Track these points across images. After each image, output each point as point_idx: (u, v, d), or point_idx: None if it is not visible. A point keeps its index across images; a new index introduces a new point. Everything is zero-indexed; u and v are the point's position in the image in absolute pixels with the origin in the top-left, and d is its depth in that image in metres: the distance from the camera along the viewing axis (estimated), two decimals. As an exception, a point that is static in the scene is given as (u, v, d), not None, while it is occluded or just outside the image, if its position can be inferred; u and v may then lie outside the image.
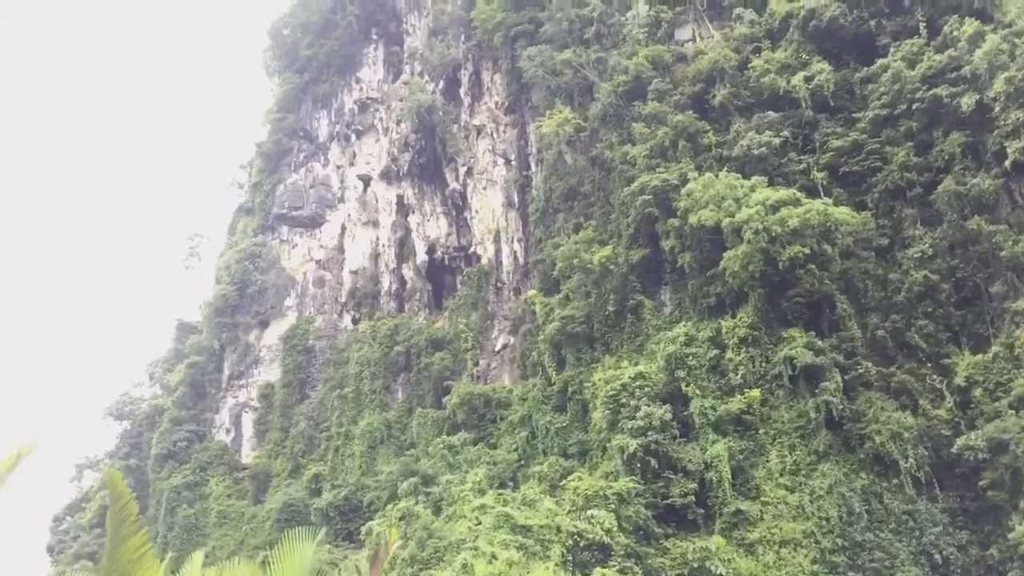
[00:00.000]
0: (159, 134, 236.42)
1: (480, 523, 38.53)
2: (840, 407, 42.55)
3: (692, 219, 49.08)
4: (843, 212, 46.49)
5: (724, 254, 47.59)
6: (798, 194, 47.42)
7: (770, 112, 53.60)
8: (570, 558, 37.34)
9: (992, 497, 39.14)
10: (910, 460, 40.96)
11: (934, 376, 43.65)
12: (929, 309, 45.01)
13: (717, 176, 50.29)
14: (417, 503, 47.42)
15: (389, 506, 49.59)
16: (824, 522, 40.32)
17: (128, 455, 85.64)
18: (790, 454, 43.12)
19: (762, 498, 42.12)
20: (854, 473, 41.82)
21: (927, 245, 45.80)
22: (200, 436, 79.55)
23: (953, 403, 42.37)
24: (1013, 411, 39.47)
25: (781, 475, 42.60)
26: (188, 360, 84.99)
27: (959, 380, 42.27)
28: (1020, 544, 36.61)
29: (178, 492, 72.47)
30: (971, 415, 41.58)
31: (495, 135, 76.57)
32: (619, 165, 58.72)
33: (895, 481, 41.21)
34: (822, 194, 48.92)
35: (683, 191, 51.01)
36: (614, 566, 36.71)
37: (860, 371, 43.95)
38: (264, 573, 8.27)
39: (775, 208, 46.23)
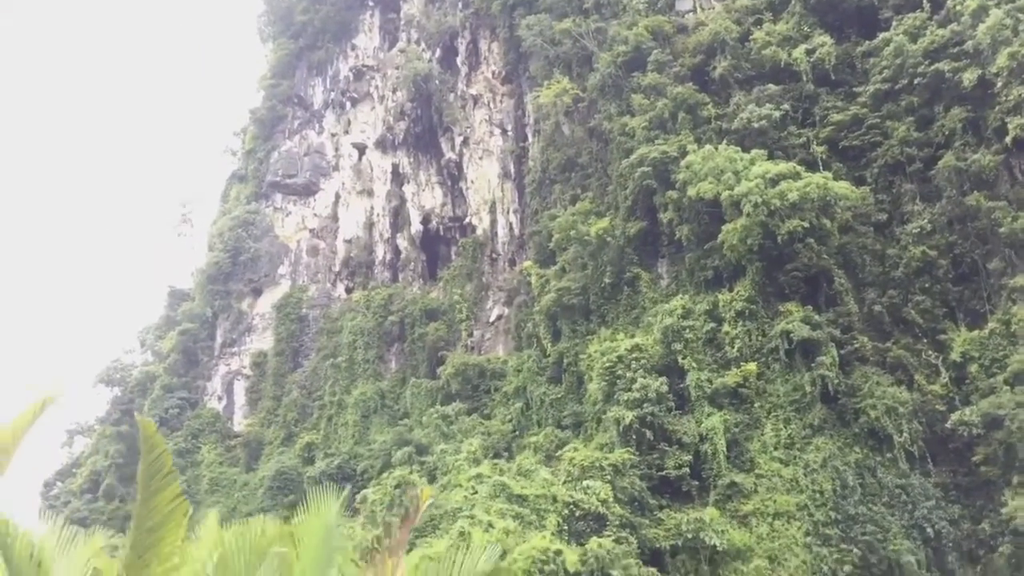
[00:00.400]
0: (152, 100, 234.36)
1: (476, 492, 38.60)
2: (835, 381, 42.67)
3: (691, 192, 48.89)
4: (842, 186, 46.33)
5: (722, 227, 47.48)
6: (798, 168, 47.26)
7: (770, 85, 53.28)
8: (566, 527, 37.50)
9: (985, 472, 39.33)
10: (904, 435, 41.13)
11: (930, 352, 43.70)
12: (926, 285, 44.99)
13: (716, 149, 50.03)
14: (412, 472, 47.47)
15: (384, 474, 49.65)
16: (818, 495, 40.51)
17: (119, 421, 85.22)
18: (785, 427, 43.24)
19: (756, 471, 42.28)
20: (848, 447, 41.98)
21: (926, 221, 45.70)
22: (192, 403, 79.35)
23: (948, 379, 42.46)
24: (1008, 387, 39.53)
25: (776, 448, 42.75)
26: (180, 327, 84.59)
27: (955, 356, 42.34)
28: (1012, 519, 36.83)
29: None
30: (966, 391, 41.69)
31: (492, 105, 76.02)
32: (617, 137, 58.39)
33: (889, 455, 41.39)
34: (821, 168, 48.74)
35: (682, 163, 50.76)
36: (609, 536, 36.83)
37: (856, 346, 44.00)
38: (289, 530, 8.16)
39: (774, 182, 46.07)
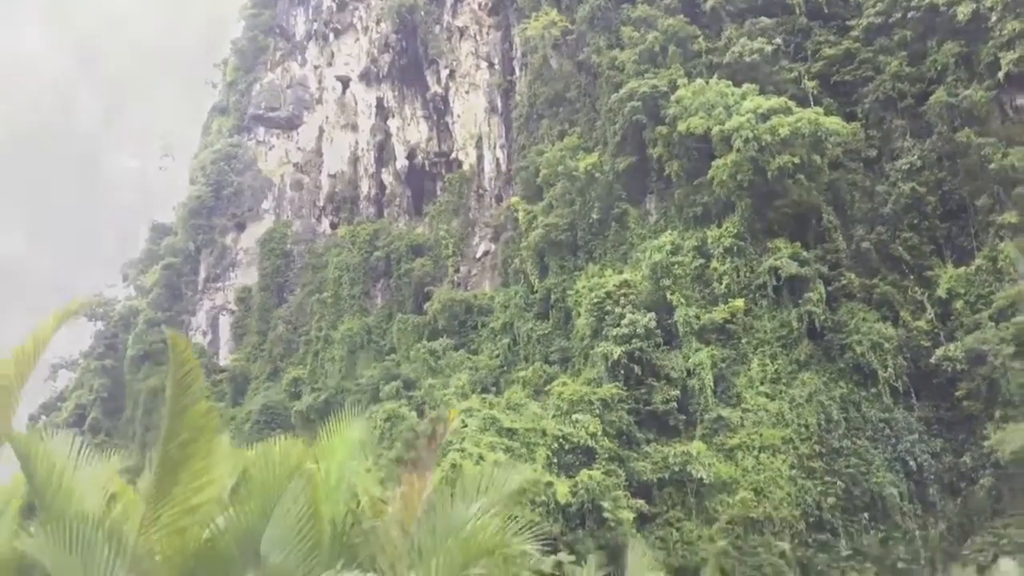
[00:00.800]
0: (133, 27, 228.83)
1: (466, 426, 38.75)
2: (822, 317, 42.93)
3: (681, 126, 48.48)
4: (834, 122, 46.02)
5: (712, 163, 47.16)
6: (789, 103, 46.86)
7: (763, 18, 52.60)
8: (555, 460, 37.84)
9: (967, 407, 39.87)
10: (889, 370, 41.61)
11: (916, 288, 43.97)
12: (914, 221, 45.08)
13: (707, 83, 49.54)
14: (400, 406, 47.68)
15: (373, 408, 49.81)
16: (803, 429, 41.04)
17: (103, 355, 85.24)
18: (771, 363, 43.59)
19: (743, 405, 42.66)
20: (833, 382, 42.43)
21: (916, 157, 45.57)
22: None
23: (934, 315, 42.80)
24: (993, 323, 39.84)
25: (762, 383, 43.13)
26: (163, 262, 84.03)
27: (941, 292, 42.63)
28: (993, 451, 37.46)
29: (155, 393, 72.20)
30: (951, 327, 42.07)
31: (478, 37, 74.73)
32: (606, 70, 57.68)
33: (873, 390, 41.88)
34: (812, 103, 48.39)
35: (672, 98, 50.28)
36: (598, 468, 37.24)
37: (843, 282, 44.22)
38: (312, 450, 8.10)
39: (765, 117, 45.67)
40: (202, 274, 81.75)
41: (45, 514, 6.78)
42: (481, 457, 34.97)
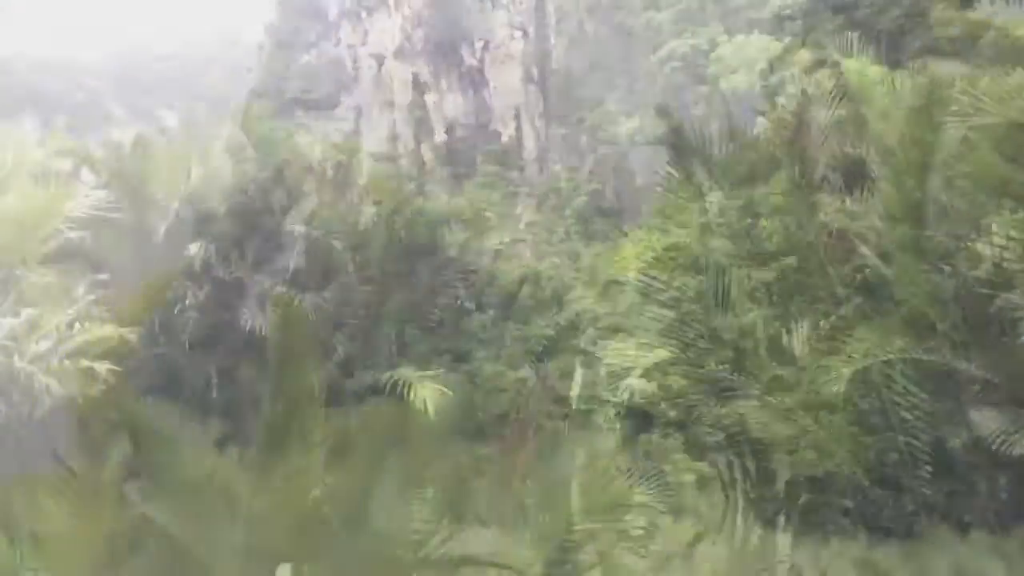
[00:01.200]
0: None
1: (520, 394, 38.84)
2: (876, 272, 42.29)
3: (723, 85, 47.96)
4: (878, 71, 45.11)
5: (757, 120, 46.50)
6: (833, 54, 46.01)
7: (802, -31, 51.65)
8: (614, 427, 37.81)
9: (1030, 354, 39.18)
10: (947, 321, 40.93)
11: (972, 236, 43.13)
12: (967, 169, 44.11)
13: (748, 39, 48.87)
14: (454, 380, 47.84)
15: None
16: (860, 385, 40.39)
17: (159, 343, 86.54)
18: (825, 320, 43.01)
19: (798, 364, 42.19)
20: (889, 336, 41.76)
21: (965, 102, 44.56)
22: (228, 323, 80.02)
23: (991, 263, 41.97)
24: (1053, 268, 39.05)
25: (817, 341, 42.59)
26: (209, 247, 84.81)
27: (998, 239, 41.76)
28: (1059, 399, 36.76)
29: (211, 378, 73.30)
30: (1009, 273, 41.22)
31: (511, 7, 74.27)
32: (643, 33, 57.15)
33: (931, 343, 41.11)
34: (856, 54, 47.48)
35: (712, 56, 49.78)
36: (656, 433, 37.12)
37: (896, 234, 43.44)
38: (404, 410, 8.16)
39: (809, 70, 44.94)
40: (249, 259, 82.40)
41: (158, 479, 6.94)
42: (540, 426, 35.11)
